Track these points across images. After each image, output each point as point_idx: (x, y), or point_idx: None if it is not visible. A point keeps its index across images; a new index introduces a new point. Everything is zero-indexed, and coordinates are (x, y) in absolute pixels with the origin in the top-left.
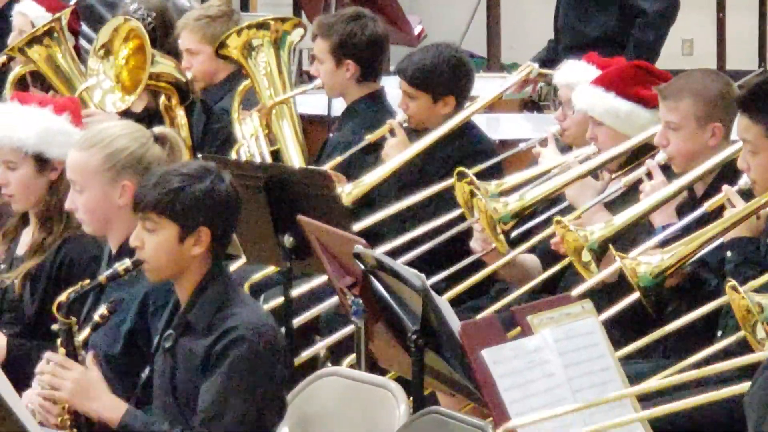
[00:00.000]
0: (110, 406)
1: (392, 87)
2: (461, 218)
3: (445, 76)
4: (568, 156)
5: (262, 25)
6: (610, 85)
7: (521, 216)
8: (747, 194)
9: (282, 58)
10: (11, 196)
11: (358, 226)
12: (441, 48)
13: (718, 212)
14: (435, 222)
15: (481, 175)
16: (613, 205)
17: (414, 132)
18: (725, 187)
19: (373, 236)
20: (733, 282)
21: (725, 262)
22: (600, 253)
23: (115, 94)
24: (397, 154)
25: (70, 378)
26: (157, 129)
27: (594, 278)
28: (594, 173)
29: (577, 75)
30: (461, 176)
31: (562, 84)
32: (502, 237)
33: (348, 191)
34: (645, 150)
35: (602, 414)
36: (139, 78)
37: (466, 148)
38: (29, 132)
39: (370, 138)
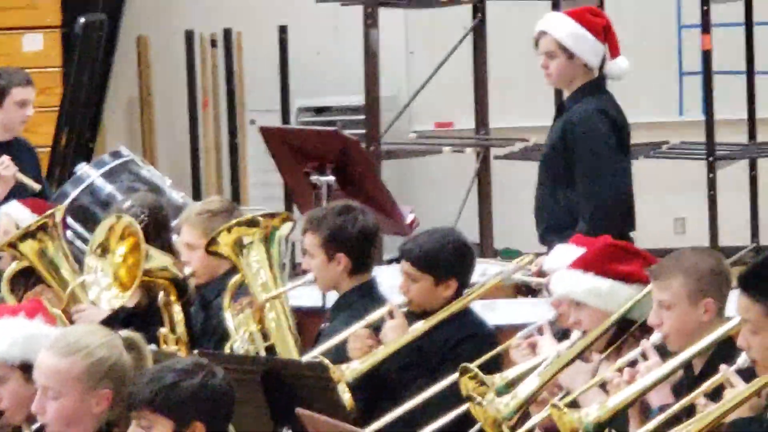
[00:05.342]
0: None
1: (384, 277)
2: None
3: (449, 259)
4: (565, 343)
5: (251, 222)
6: (588, 266)
7: (521, 411)
8: (745, 372)
9: (272, 253)
10: (4, 411)
11: None
12: (445, 231)
13: (716, 391)
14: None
15: (482, 366)
16: None
17: (412, 315)
18: (723, 367)
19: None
20: None
21: None
22: None
23: (112, 291)
24: (395, 337)
25: None
26: (125, 333)
27: None
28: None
29: (565, 258)
30: (464, 371)
31: (552, 269)
32: None
33: (353, 367)
34: (627, 325)
35: None
36: (136, 275)
37: (464, 330)
38: (10, 343)
39: (369, 319)
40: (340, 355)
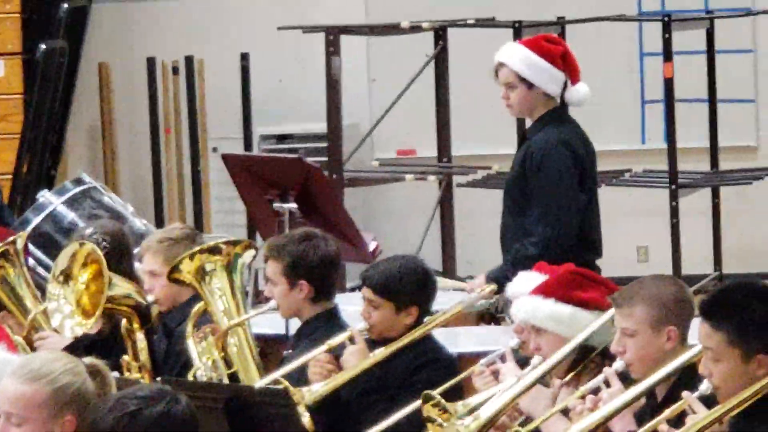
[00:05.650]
0: None
1: (347, 304)
2: None
3: (410, 287)
4: (527, 370)
5: (214, 250)
6: (548, 292)
7: None
8: (707, 399)
9: (235, 281)
10: None
11: None
12: (407, 259)
13: (678, 417)
14: None
15: (444, 393)
16: None
17: (372, 342)
18: (685, 394)
19: None
20: None
21: None
22: None
23: (75, 319)
24: (356, 362)
25: None
26: (88, 360)
27: None
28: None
29: (528, 286)
30: (427, 399)
31: (515, 296)
32: None
33: (314, 390)
34: (588, 352)
35: None
36: (99, 302)
37: (424, 356)
38: None
39: (330, 344)
40: (301, 380)
